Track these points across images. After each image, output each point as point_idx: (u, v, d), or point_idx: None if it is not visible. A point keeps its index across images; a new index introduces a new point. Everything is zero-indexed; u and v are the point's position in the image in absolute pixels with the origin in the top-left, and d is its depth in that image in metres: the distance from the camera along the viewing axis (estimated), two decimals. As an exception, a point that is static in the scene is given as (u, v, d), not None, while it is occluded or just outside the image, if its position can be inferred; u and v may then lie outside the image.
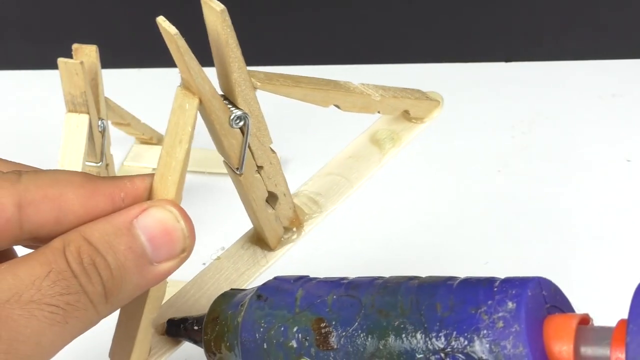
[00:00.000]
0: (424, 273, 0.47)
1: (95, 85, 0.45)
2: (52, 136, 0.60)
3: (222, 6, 0.29)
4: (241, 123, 0.31)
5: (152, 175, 0.29)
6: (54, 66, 0.68)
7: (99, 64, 0.45)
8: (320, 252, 0.43)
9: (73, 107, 0.43)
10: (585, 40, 0.69)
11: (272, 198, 0.34)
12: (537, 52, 0.69)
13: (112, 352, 0.32)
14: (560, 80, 0.66)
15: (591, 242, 0.49)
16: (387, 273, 0.48)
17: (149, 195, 0.29)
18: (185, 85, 0.29)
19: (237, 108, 0.30)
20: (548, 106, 0.62)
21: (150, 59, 0.68)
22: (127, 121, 0.52)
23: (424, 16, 0.70)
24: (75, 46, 0.44)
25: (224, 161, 0.33)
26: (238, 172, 0.32)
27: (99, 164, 0.46)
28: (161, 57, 0.69)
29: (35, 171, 0.28)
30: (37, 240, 0.27)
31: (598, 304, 0.45)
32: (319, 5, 0.70)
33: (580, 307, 0.45)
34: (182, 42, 0.28)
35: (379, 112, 0.37)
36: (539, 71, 0.67)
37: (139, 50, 0.69)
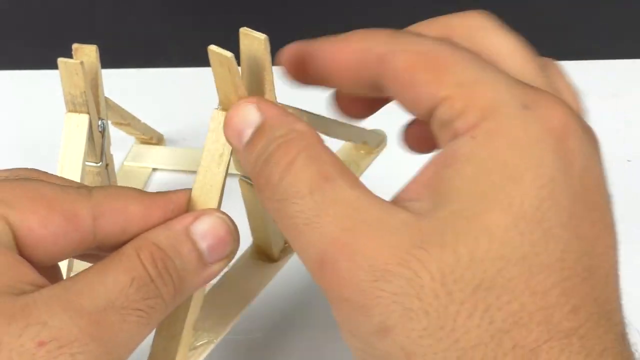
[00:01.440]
0: None
1: (95, 85, 0.44)
2: (52, 136, 0.60)
3: (264, 35, 0.31)
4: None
5: (189, 190, 0.32)
6: (54, 66, 0.69)
7: (98, 64, 0.45)
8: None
9: (73, 107, 0.43)
10: (585, 40, 0.69)
11: None
12: (537, 51, 0.68)
13: (152, 357, 0.33)
14: (560, 80, 0.66)
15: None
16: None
17: (189, 207, 0.32)
18: (224, 107, 0.31)
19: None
20: (548, 106, 0.62)
21: (150, 59, 0.68)
22: (127, 121, 0.52)
23: (424, 16, 0.70)
24: (75, 46, 0.44)
25: (241, 177, 0.35)
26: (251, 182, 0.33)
27: (99, 164, 0.46)
28: (161, 57, 0.70)
29: (102, 187, 0.31)
30: (101, 249, 0.30)
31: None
32: (319, 5, 0.70)
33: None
34: (235, 66, 0.30)
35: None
36: (539, 71, 0.67)
37: (139, 50, 0.69)
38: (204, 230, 0.30)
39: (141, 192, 0.31)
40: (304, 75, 0.32)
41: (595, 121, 0.60)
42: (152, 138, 0.57)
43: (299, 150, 0.27)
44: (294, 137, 0.28)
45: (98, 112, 0.45)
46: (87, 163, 0.45)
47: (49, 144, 0.59)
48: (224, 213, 0.32)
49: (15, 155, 0.59)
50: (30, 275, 0.28)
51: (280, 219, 0.28)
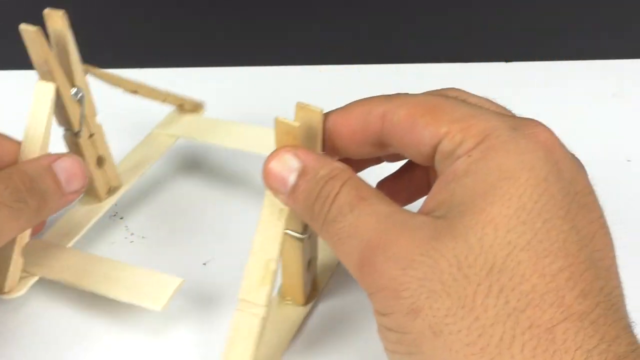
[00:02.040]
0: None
1: (65, 52, 0.43)
2: (52, 136, 0.60)
3: (320, 109, 0.35)
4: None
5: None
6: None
7: (67, 31, 0.43)
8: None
9: (42, 75, 0.43)
10: (585, 40, 0.69)
11: (311, 261, 0.42)
12: (537, 52, 0.69)
13: None
14: (560, 80, 0.66)
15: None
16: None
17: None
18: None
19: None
20: (548, 106, 0.62)
21: (150, 59, 0.68)
22: (131, 88, 0.52)
23: (424, 16, 0.70)
24: (46, 11, 0.43)
25: (288, 231, 0.38)
26: (304, 236, 0.39)
27: (78, 133, 0.45)
28: (161, 57, 0.70)
29: None
30: None
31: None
32: (320, 5, 0.70)
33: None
34: (300, 134, 0.35)
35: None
36: (539, 71, 0.67)
37: (139, 50, 0.69)
38: (64, 166, 0.41)
39: (13, 141, 0.42)
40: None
41: (595, 121, 0.61)
42: (184, 105, 0.55)
43: (342, 182, 0.32)
44: (337, 174, 0.33)
45: (72, 80, 0.44)
46: (65, 130, 0.45)
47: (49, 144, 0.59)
48: (78, 157, 0.42)
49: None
50: None
51: (330, 238, 0.32)
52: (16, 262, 0.42)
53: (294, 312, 0.43)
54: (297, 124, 0.34)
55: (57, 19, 0.43)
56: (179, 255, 0.48)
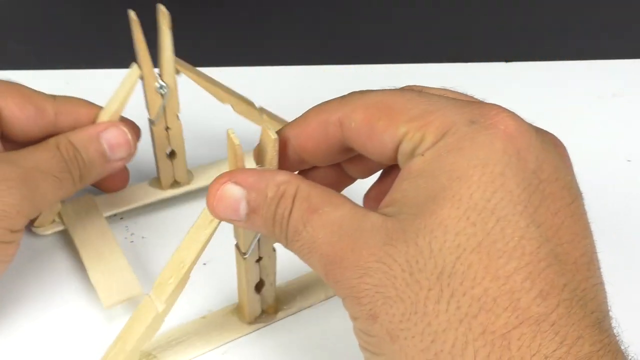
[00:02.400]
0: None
1: (160, 47, 0.46)
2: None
3: (275, 136, 0.33)
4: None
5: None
6: (54, 66, 0.69)
7: (166, 28, 0.45)
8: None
9: (137, 60, 0.46)
10: (585, 40, 0.69)
11: (260, 284, 0.42)
12: (537, 52, 0.69)
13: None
14: (560, 80, 0.66)
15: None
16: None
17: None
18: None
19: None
20: (548, 106, 0.62)
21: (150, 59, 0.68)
22: (221, 99, 0.51)
23: (424, 16, 0.70)
24: (159, 5, 0.45)
25: (235, 245, 0.39)
26: (244, 257, 0.39)
27: (153, 121, 0.48)
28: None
29: (65, 96, 0.46)
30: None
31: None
32: (320, 5, 0.70)
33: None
34: (241, 152, 0.34)
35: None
36: (539, 71, 0.67)
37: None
38: (110, 136, 0.44)
39: (90, 103, 0.46)
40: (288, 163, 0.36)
41: (595, 121, 0.61)
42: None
43: (292, 198, 0.32)
44: (285, 190, 0.32)
45: (162, 73, 0.46)
46: (148, 117, 0.48)
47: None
48: (126, 126, 0.45)
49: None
50: None
51: (297, 255, 0.32)
52: (53, 206, 0.47)
53: (234, 326, 0.43)
54: (237, 141, 0.34)
55: (161, 16, 0.45)
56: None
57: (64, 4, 0.70)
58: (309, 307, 0.45)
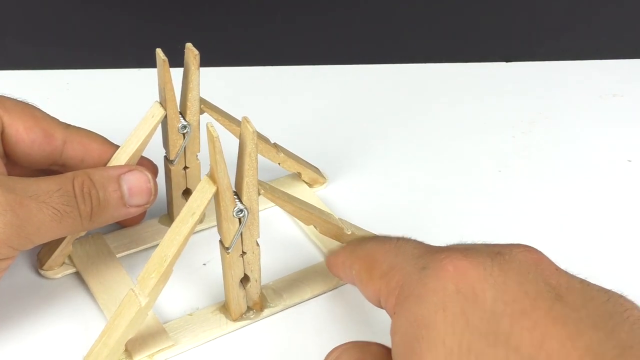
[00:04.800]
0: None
1: (186, 85, 0.44)
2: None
3: (254, 128, 0.36)
4: (241, 215, 0.39)
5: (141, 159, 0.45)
6: (54, 66, 0.69)
7: (195, 70, 0.44)
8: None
9: (161, 98, 0.44)
10: (586, 40, 0.69)
11: (245, 280, 0.42)
12: (537, 52, 0.69)
13: (87, 356, 0.40)
14: (560, 80, 0.66)
15: (592, 242, 0.49)
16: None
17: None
18: (211, 175, 0.38)
19: (241, 203, 0.39)
20: (548, 106, 0.62)
21: (150, 59, 0.68)
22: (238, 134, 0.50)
23: (424, 16, 0.70)
24: (188, 45, 0.44)
25: (219, 240, 0.40)
26: (227, 252, 0.40)
27: (172, 161, 0.46)
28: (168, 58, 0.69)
29: (78, 127, 0.44)
30: (62, 168, 0.43)
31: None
32: (320, 5, 0.70)
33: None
34: (219, 144, 0.36)
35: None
36: (540, 71, 0.67)
37: (139, 49, 0.69)
38: (131, 180, 0.42)
39: (105, 139, 0.44)
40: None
41: (595, 121, 0.61)
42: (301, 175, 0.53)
43: None
44: None
45: (185, 113, 0.45)
46: (165, 157, 0.46)
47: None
48: (150, 172, 0.43)
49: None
50: None
51: None
52: (64, 247, 0.45)
53: (218, 323, 0.43)
54: (217, 134, 0.36)
55: (190, 56, 0.44)
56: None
57: (64, 3, 0.70)
58: (295, 305, 0.45)
